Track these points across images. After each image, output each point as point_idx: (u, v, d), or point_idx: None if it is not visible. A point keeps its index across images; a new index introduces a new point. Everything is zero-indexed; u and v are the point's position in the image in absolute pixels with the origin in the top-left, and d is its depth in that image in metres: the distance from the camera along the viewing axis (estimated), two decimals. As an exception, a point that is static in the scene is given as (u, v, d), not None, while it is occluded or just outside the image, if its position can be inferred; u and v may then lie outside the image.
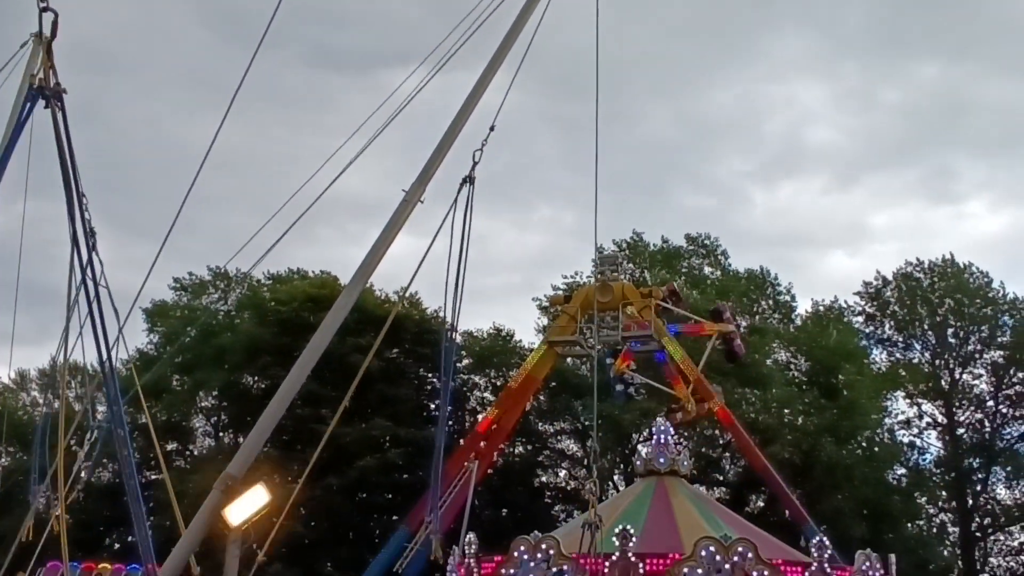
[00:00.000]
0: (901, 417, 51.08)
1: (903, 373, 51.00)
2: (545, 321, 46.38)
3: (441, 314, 46.35)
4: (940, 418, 51.41)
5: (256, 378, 45.73)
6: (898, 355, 52.75)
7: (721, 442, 45.09)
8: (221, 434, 49.16)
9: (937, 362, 51.79)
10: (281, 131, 75.06)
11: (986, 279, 50.94)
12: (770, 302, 50.18)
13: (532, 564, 19.57)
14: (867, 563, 21.01)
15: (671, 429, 25.81)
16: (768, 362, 45.42)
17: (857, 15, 79.87)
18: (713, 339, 32.16)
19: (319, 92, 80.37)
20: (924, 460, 51.04)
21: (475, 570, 20.89)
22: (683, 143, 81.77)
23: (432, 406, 47.11)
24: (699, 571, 18.91)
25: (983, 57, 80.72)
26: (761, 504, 44.60)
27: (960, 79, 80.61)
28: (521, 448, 48.05)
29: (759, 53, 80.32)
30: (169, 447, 48.67)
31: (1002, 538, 50.67)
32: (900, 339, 52.70)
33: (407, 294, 46.72)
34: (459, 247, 10.61)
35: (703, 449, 44.80)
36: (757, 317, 49.04)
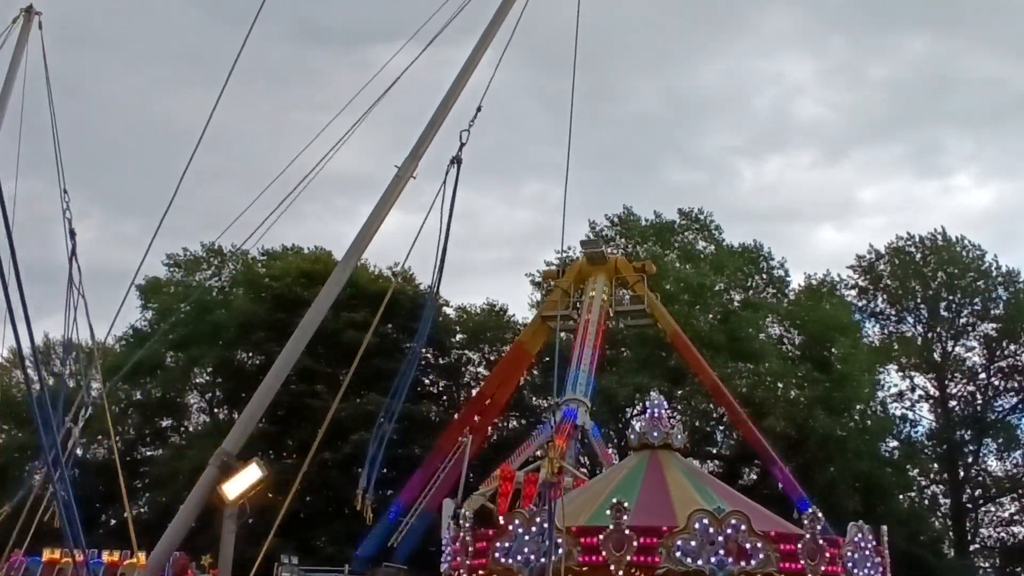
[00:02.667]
0: (894, 390, 51.42)
1: (896, 346, 51.21)
2: (538, 296, 46.48)
3: (429, 290, 46.52)
4: (932, 391, 51.70)
5: (251, 354, 45.76)
6: (891, 328, 52.99)
7: (714, 416, 45.29)
8: (216, 410, 49.22)
9: (930, 335, 51.99)
10: (268, 107, 74.80)
11: (978, 252, 51.07)
12: (763, 276, 50.25)
13: (527, 538, 19.66)
14: (859, 535, 21.14)
15: (664, 403, 25.91)
16: (761, 336, 45.57)
17: (844, -11, 79.68)
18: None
19: (306, 68, 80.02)
20: (916, 432, 51.45)
21: (470, 544, 20.99)
22: (671, 118, 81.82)
23: (427, 381, 47.25)
24: (692, 543, 19.01)
25: (969, 32, 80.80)
26: (754, 477, 44.88)
27: (946, 54, 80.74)
28: (515, 422, 48.22)
29: (747, 28, 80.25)
30: (164, 423, 48.82)
31: (993, 509, 51.09)
32: (893, 312, 52.90)
33: (398, 269, 46.70)
34: (444, 225, 10.68)
35: (697, 423, 45.01)
36: (751, 292, 49.13)
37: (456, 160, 10.27)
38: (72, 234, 12.41)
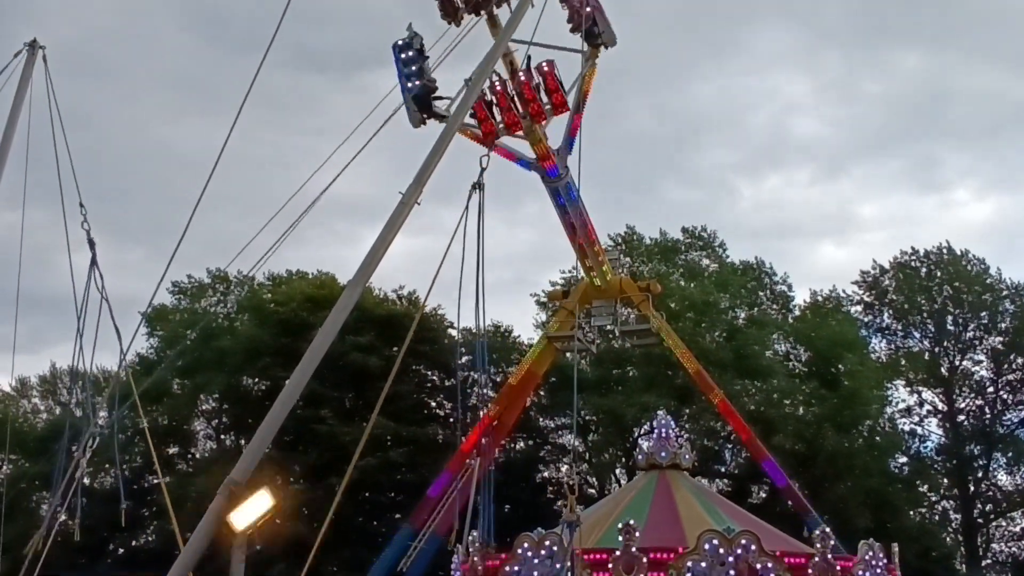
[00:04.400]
0: (902, 405, 51.22)
1: (903, 361, 51.07)
2: (543, 316, 46.44)
3: (440, 312, 46.40)
4: (940, 405, 51.49)
5: (256, 380, 45.75)
6: (898, 343, 52.84)
7: (723, 434, 45.13)
8: (223, 436, 49.17)
9: (937, 349, 51.85)
10: (267, 133, 74.98)
11: (983, 266, 51.04)
12: (768, 293, 50.23)
13: (536, 561, 19.61)
14: (870, 553, 21.06)
15: (672, 422, 25.87)
16: (768, 354, 45.46)
17: (837, 6, 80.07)
18: None
19: (304, 94, 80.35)
20: (925, 448, 51.20)
21: (479, 567, 20.92)
22: (668, 137, 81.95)
23: (432, 403, 47.19)
24: (703, 564, 18.96)
25: (963, 46, 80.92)
26: (763, 495, 44.67)
27: (940, 68, 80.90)
28: (522, 444, 48.10)
29: (740, 46, 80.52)
30: (171, 451, 48.73)
31: (1004, 524, 50.79)
32: (899, 327, 52.78)
33: (404, 292, 46.86)
34: (474, 252, 10.67)
35: (705, 442, 44.85)
36: (756, 309, 49.08)
37: (479, 185, 10.29)
38: (92, 244, 12.44)
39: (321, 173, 11.83)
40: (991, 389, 51.05)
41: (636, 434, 43.61)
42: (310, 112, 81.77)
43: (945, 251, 51.50)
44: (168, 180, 76.06)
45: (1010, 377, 50.65)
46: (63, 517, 15.93)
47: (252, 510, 7.99)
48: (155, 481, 45.24)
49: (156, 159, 76.39)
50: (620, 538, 19.43)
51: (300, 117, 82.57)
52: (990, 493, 50.46)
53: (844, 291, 52.41)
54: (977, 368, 51.34)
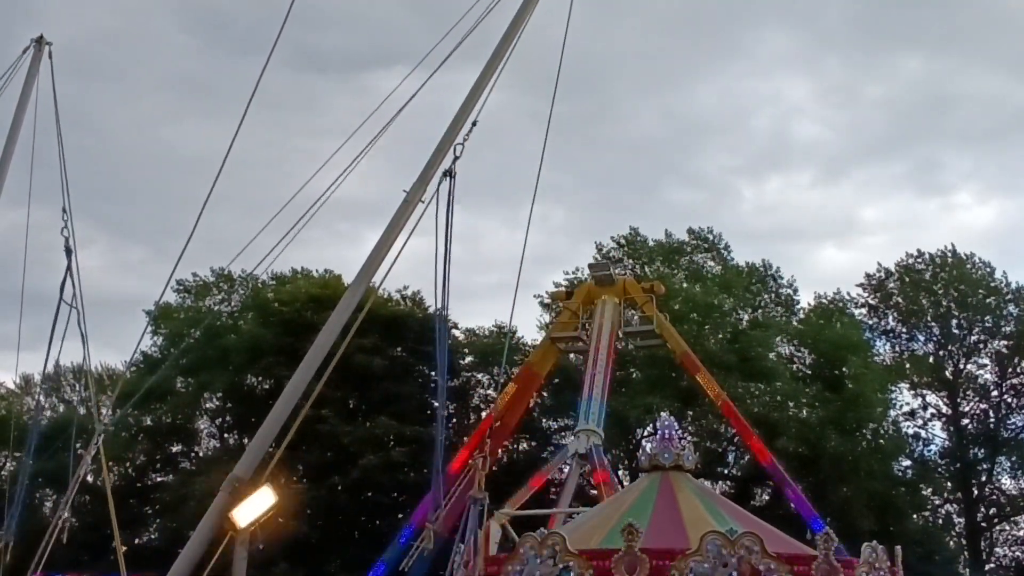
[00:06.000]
0: (906, 408, 51.09)
1: (907, 365, 50.96)
2: (547, 317, 46.45)
3: (436, 310, 46.59)
4: (945, 409, 51.38)
5: (260, 378, 45.80)
6: (902, 346, 52.74)
7: (726, 436, 45.09)
8: (226, 435, 49.23)
9: (941, 353, 51.75)
10: (268, 133, 75.13)
11: (988, 269, 50.92)
12: (772, 295, 50.18)
13: (539, 561, 19.55)
14: (873, 555, 20.95)
15: (675, 423, 25.81)
16: (771, 356, 45.40)
17: (838, 9, 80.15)
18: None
19: (305, 95, 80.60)
20: (929, 451, 51.08)
21: (481, 568, 20.87)
22: (671, 140, 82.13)
23: (435, 403, 47.16)
24: (705, 565, 18.86)
25: (965, 50, 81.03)
26: (767, 498, 44.62)
27: (942, 72, 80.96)
28: (525, 444, 48.08)
29: (742, 50, 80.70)
30: (174, 449, 48.82)
31: (1008, 528, 50.66)
32: (904, 331, 52.66)
33: (407, 293, 46.85)
34: (443, 239, 10.74)
35: (708, 443, 44.82)
36: (760, 311, 49.03)
37: (449, 173, 10.35)
38: (68, 252, 12.47)
39: (325, 174, 11.86)
40: (995, 393, 50.93)
41: (639, 436, 43.58)
42: (312, 113, 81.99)
43: (950, 254, 51.41)
44: (170, 180, 76.33)
45: (1014, 381, 50.52)
46: (66, 514, 15.99)
47: (255, 506, 8.01)
48: (158, 479, 45.37)
49: (158, 159, 76.68)
50: (622, 537, 19.36)
51: (302, 118, 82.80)
52: (994, 497, 50.34)
53: (848, 293, 52.42)
54: (981, 372, 51.26)
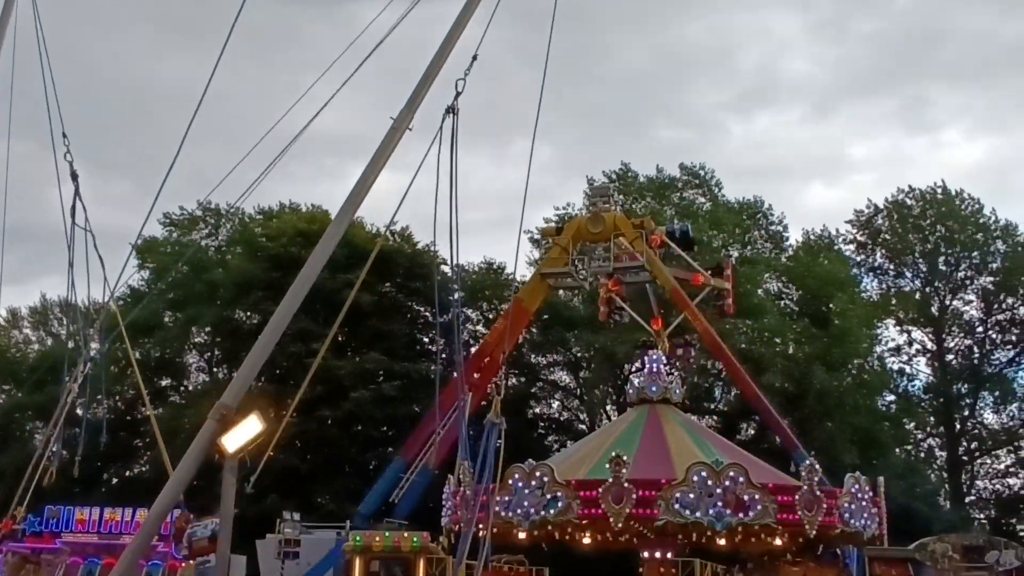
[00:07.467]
0: (891, 344, 51.56)
1: (894, 301, 51.26)
2: (536, 254, 46.35)
3: (432, 248, 46.44)
4: (930, 345, 51.87)
5: (248, 314, 45.77)
6: (889, 283, 53.01)
7: (713, 372, 45.42)
8: (215, 369, 49.35)
9: (928, 289, 52.05)
10: (252, 67, 74.02)
11: (977, 205, 50.96)
12: (762, 232, 50.17)
13: (527, 491, 19.81)
14: (856, 486, 21.32)
15: (663, 358, 25.98)
16: (760, 292, 45.55)
17: (828, -57, 78.86)
18: (707, 291, 32.57)
19: (289, 26, 79.19)
20: (913, 386, 51.69)
21: (470, 499, 21.11)
22: (659, 75, 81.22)
23: (426, 339, 47.32)
24: (691, 495, 19.19)
25: (955, -15, 79.93)
26: (752, 432, 45.13)
27: (932, 7, 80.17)
28: (514, 380, 48.34)
29: (732, -18, 79.49)
30: (163, 383, 48.94)
31: (988, 461, 51.46)
32: (891, 267, 52.91)
33: (395, 228, 46.60)
34: (448, 178, 10.57)
35: (695, 379, 45.13)
36: (749, 248, 49.07)
37: (452, 110, 10.16)
38: (75, 176, 12.28)
39: (311, 106, 11.63)
40: (980, 329, 51.39)
41: (628, 371, 43.86)
42: (296, 45, 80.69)
43: (940, 190, 51.39)
44: (152, 114, 75.30)
45: (999, 317, 50.93)
46: (56, 447, 16.02)
47: (242, 434, 8.03)
48: (147, 412, 45.53)
49: (139, 93, 75.61)
50: (609, 468, 19.61)
51: (286, 51, 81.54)
52: (976, 431, 51.07)
53: (837, 230, 52.48)
54: (967, 308, 51.68)
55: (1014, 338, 50.64)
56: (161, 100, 72.21)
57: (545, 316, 43.56)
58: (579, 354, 48.15)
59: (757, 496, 19.34)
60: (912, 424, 49.70)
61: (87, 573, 17.36)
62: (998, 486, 50.95)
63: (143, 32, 78.40)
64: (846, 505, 20.71)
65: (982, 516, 49.60)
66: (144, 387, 30.89)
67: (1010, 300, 50.50)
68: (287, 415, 17.45)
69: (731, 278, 33.09)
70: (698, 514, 19.04)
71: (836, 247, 51.25)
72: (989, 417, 51.30)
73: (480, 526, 18.59)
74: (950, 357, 51.47)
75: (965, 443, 50.87)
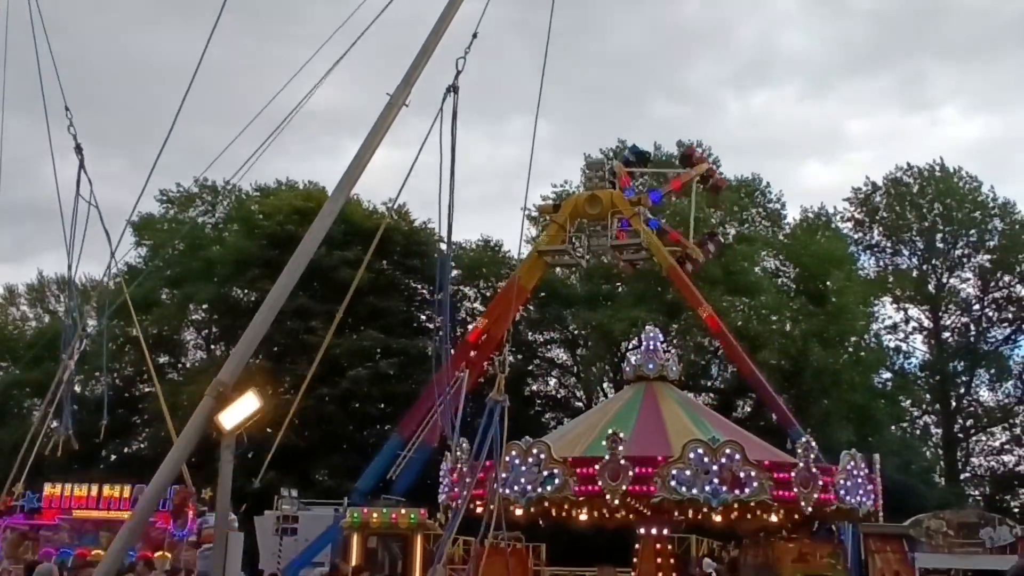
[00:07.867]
0: (888, 322, 51.68)
1: (891, 279, 51.33)
2: (534, 231, 46.28)
3: (430, 225, 46.31)
4: (926, 322, 52.03)
5: (245, 291, 45.76)
6: (886, 261, 53.09)
7: (710, 349, 45.51)
8: (213, 346, 49.36)
9: (925, 267, 52.12)
10: (246, 41, 73.50)
11: (975, 183, 50.93)
12: (760, 209, 50.12)
13: (524, 468, 19.86)
14: (852, 463, 21.38)
15: (660, 335, 25.99)
16: (757, 269, 45.57)
17: (826, -86, 78.25)
18: (694, 184, 33.42)
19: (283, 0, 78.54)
20: (910, 364, 51.84)
21: (467, 476, 21.17)
22: (655, 51, 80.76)
23: (423, 317, 47.34)
24: (687, 472, 19.23)
25: (953, -38, 79.33)
26: (748, 410, 45.28)
27: (931, -18, 79.40)
28: (511, 357, 48.39)
29: (726, -43, 78.90)
30: (161, 360, 48.94)
31: (984, 439, 51.74)
32: (888, 245, 52.95)
33: (395, 206, 46.49)
34: (447, 157, 10.51)
35: (692, 356, 45.23)
36: (746, 225, 49.03)
37: (453, 88, 10.08)
38: (79, 149, 12.14)
39: (305, 81, 11.52)
40: (977, 306, 51.51)
41: (625, 349, 43.93)
42: (290, 18, 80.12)
43: (938, 168, 51.33)
44: (147, 88, 74.85)
45: (996, 295, 51.04)
46: (55, 424, 15.99)
47: (240, 410, 8.02)
48: (146, 389, 45.59)
49: (134, 67, 75.14)
50: (606, 445, 19.65)
51: (280, 25, 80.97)
52: (971, 409, 51.29)
53: (835, 207, 52.46)
54: (964, 285, 51.79)
55: (1010, 316, 50.79)
56: (156, 74, 71.70)
57: (542, 293, 43.61)
58: (576, 332, 48.22)
59: (753, 473, 19.39)
60: (908, 401, 49.88)
61: (59, 563, 17.42)
62: (993, 463, 51.25)
63: (138, 3, 77.70)
64: (842, 482, 20.78)
65: (977, 493, 49.92)
66: (144, 363, 30.85)
67: (1007, 278, 50.58)
68: (296, 401, 17.47)
69: (701, 156, 34.11)
70: (694, 491, 19.09)
71: (833, 225, 51.25)
72: (985, 395, 51.59)
73: (477, 502, 18.68)
74: (946, 335, 51.62)
75: (960, 420, 51.09)
